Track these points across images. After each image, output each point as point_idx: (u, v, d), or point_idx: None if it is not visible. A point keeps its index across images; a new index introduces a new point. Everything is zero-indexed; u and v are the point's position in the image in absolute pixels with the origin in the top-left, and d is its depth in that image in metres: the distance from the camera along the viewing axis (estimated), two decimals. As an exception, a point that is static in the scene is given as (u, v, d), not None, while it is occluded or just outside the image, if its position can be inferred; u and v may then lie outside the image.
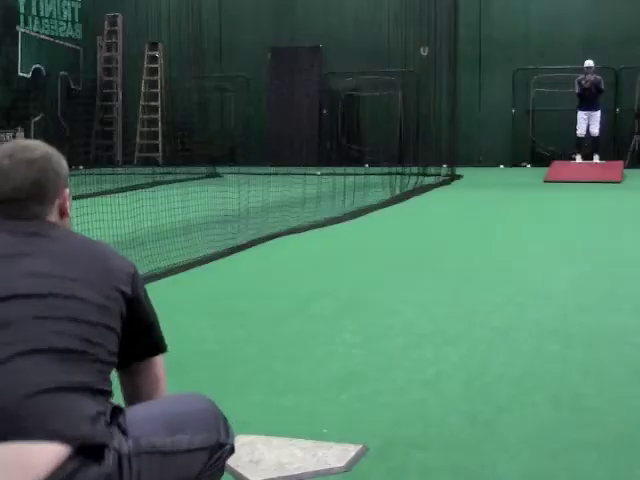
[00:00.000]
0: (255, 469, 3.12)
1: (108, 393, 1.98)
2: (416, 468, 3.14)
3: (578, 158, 16.83)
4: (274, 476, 3.08)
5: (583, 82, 16.42)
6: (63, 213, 2.19)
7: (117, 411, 1.96)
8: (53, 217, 2.16)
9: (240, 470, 3.08)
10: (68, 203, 2.21)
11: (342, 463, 3.16)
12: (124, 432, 1.92)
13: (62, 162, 2.20)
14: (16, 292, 1.94)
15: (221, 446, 2.11)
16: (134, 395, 2.21)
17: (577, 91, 16.49)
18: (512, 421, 3.59)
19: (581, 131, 16.72)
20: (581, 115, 16.66)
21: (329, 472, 3.11)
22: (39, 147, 2.17)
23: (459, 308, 5.64)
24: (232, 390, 3.94)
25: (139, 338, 2.16)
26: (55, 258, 2.03)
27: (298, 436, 3.41)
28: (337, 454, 3.23)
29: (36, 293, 1.95)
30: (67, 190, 2.20)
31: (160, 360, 2.26)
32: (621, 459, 3.19)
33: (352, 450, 3.26)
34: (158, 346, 2.25)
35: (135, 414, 2.00)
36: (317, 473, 3.10)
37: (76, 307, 1.97)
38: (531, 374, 4.23)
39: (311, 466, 3.14)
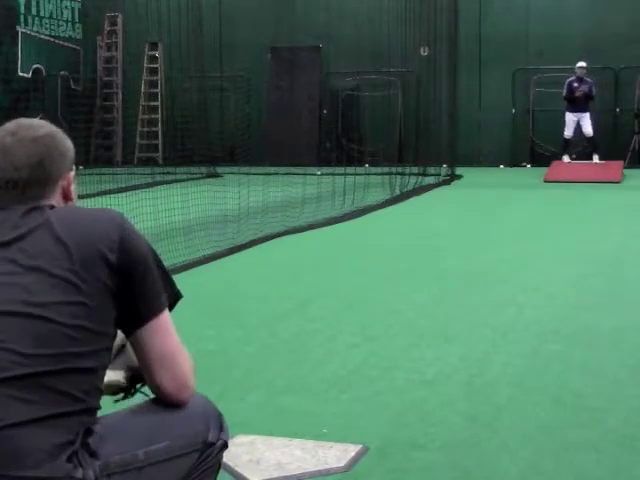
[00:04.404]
0: (255, 469, 3.12)
1: (85, 411, 1.82)
2: (416, 468, 3.14)
3: (566, 158, 16.81)
4: (274, 476, 3.08)
5: (575, 86, 16.38)
6: (67, 196, 2.04)
7: (88, 430, 1.83)
8: (54, 201, 2.00)
9: (240, 470, 3.08)
10: (73, 186, 2.06)
11: (342, 463, 3.16)
12: (93, 454, 1.80)
13: (67, 143, 2.05)
14: None
15: (210, 445, 2.03)
16: (148, 364, 2.00)
17: (565, 94, 16.48)
18: (512, 421, 3.59)
19: (569, 133, 16.70)
20: (571, 117, 16.62)
21: (329, 472, 3.11)
22: (44, 125, 2.03)
23: (459, 308, 5.64)
24: (232, 390, 3.94)
25: (135, 305, 1.94)
26: (30, 258, 1.86)
27: (298, 436, 3.41)
28: (337, 454, 3.23)
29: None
30: (72, 173, 2.05)
31: (162, 319, 1.98)
32: (621, 459, 3.19)
33: (352, 450, 3.26)
34: (155, 306, 1.97)
35: (106, 429, 1.87)
36: (317, 473, 3.10)
37: (46, 316, 1.80)
38: (531, 374, 4.24)
39: (311, 466, 3.14)
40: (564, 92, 16.51)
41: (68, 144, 2.06)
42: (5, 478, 1.70)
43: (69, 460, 1.76)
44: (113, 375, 2.11)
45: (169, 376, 1.99)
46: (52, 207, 1.98)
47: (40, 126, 2.03)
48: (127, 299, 1.93)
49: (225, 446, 2.09)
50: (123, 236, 1.94)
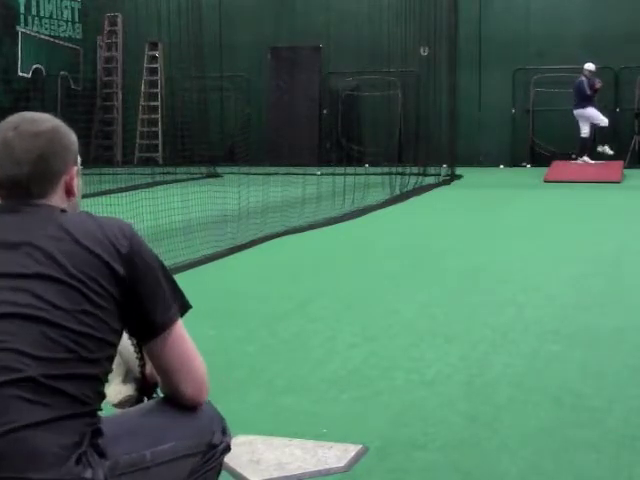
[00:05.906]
0: (255, 469, 3.12)
1: (88, 413, 1.83)
2: (416, 468, 3.14)
3: (607, 149, 16.67)
4: (274, 476, 3.08)
5: (591, 83, 16.39)
6: (70, 192, 2.01)
7: (97, 431, 1.84)
8: (58, 197, 1.98)
9: (240, 470, 3.08)
10: (76, 181, 2.02)
11: (342, 463, 3.16)
12: (102, 454, 1.81)
13: (71, 137, 2.02)
14: None
15: (214, 446, 2.05)
16: (166, 372, 2.04)
17: (589, 93, 16.36)
18: (512, 421, 3.59)
19: (592, 130, 16.62)
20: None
21: (329, 472, 3.11)
22: (48, 119, 2.00)
23: (459, 308, 5.64)
24: (232, 390, 3.94)
25: (147, 316, 1.96)
26: (37, 263, 1.85)
27: (298, 436, 3.41)
28: (337, 454, 3.23)
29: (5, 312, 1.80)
30: (75, 167, 2.02)
31: (176, 328, 2.01)
32: (621, 459, 3.19)
33: (352, 450, 3.26)
34: (167, 316, 1.99)
35: (114, 430, 1.88)
36: (317, 473, 3.10)
37: (54, 321, 1.81)
38: (531, 374, 4.24)
39: (311, 466, 3.14)
40: (587, 91, 16.36)
41: (72, 138, 2.03)
42: None
43: (77, 462, 1.76)
44: (125, 390, 2.16)
45: (188, 381, 2.04)
46: (63, 211, 1.97)
47: (43, 120, 2.00)
48: (137, 310, 1.95)
49: (228, 449, 2.12)
50: (132, 248, 1.94)
